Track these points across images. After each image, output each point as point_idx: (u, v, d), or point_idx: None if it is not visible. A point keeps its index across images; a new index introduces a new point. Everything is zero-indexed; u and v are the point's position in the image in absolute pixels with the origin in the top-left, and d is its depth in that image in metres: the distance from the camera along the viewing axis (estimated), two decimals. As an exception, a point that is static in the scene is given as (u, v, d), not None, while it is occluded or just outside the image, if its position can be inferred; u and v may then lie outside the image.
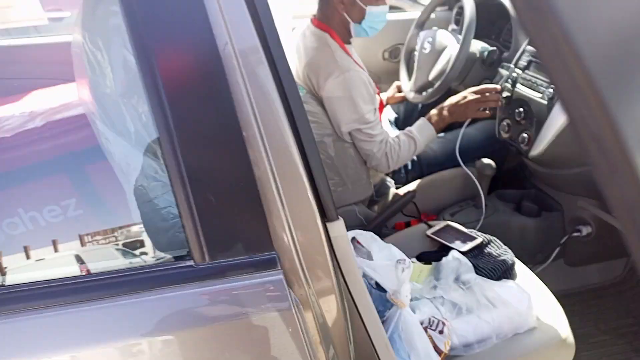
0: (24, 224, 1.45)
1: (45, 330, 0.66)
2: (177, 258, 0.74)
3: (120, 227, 1.31)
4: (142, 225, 1.10)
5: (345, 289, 0.78)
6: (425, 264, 1.23)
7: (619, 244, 1.72)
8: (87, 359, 0.67)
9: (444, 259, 1.17)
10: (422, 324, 1.06)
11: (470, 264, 1.16)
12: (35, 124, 1.46)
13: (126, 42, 0.83)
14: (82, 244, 1.27)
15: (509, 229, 1.63)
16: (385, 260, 1.11)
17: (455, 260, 1.15)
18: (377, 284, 1.04)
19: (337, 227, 0.73)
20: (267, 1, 0.67)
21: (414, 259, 1.26)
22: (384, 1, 1.44)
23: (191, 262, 0.68)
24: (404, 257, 1.10)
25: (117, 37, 0.82)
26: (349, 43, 1.50)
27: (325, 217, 0.72)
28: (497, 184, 1.74)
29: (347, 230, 1.61)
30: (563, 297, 1.69)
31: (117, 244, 1.11)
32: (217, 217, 0.66)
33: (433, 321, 1.09)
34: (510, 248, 1.30)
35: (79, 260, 1.05)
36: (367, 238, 1.14)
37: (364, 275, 1.05)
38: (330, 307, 0.75)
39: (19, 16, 1.81)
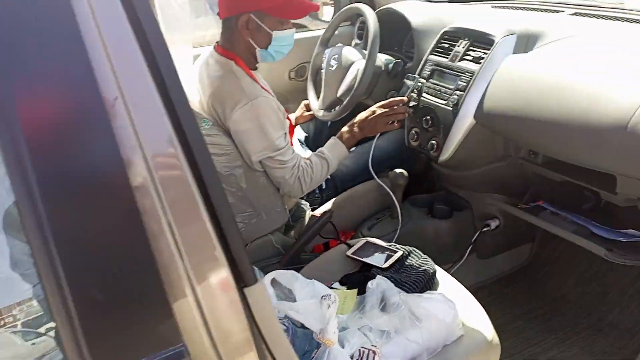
0: None
1: None
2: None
3: None
4: None
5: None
6: (349, 288, 1.21)
7: (524, 232, 1.85)
8: None
9: (368, 285, 1.15)
10: (352, 358, 1.03)
11: (393, 286, 1.16)
12: None
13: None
14: None
15: (424, 234, 1.67)
16: (308, 297, 1.07)
17: (378, 286, 1.14)
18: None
19: (257, 291, 0.67)
20: (162, 36, 0.58)
21: (337, 284, 1.23)
22: (290, 24, 1.39)
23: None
24: (329, 291, 1.07)
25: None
26: (255, 69, 1.45)
27: (243, 283, 0.66)
28: (409, 191, 1.78)
29: (264, 262, 1.53)
30: (480, 289, 1.78)
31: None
32: (104, 318, 0.55)
33: (363, 352, 1.07)
34: (427, 252, 1.32)
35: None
36: (288, 277, 1.10)
37: (288, 317, 1.01)
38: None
39: None
